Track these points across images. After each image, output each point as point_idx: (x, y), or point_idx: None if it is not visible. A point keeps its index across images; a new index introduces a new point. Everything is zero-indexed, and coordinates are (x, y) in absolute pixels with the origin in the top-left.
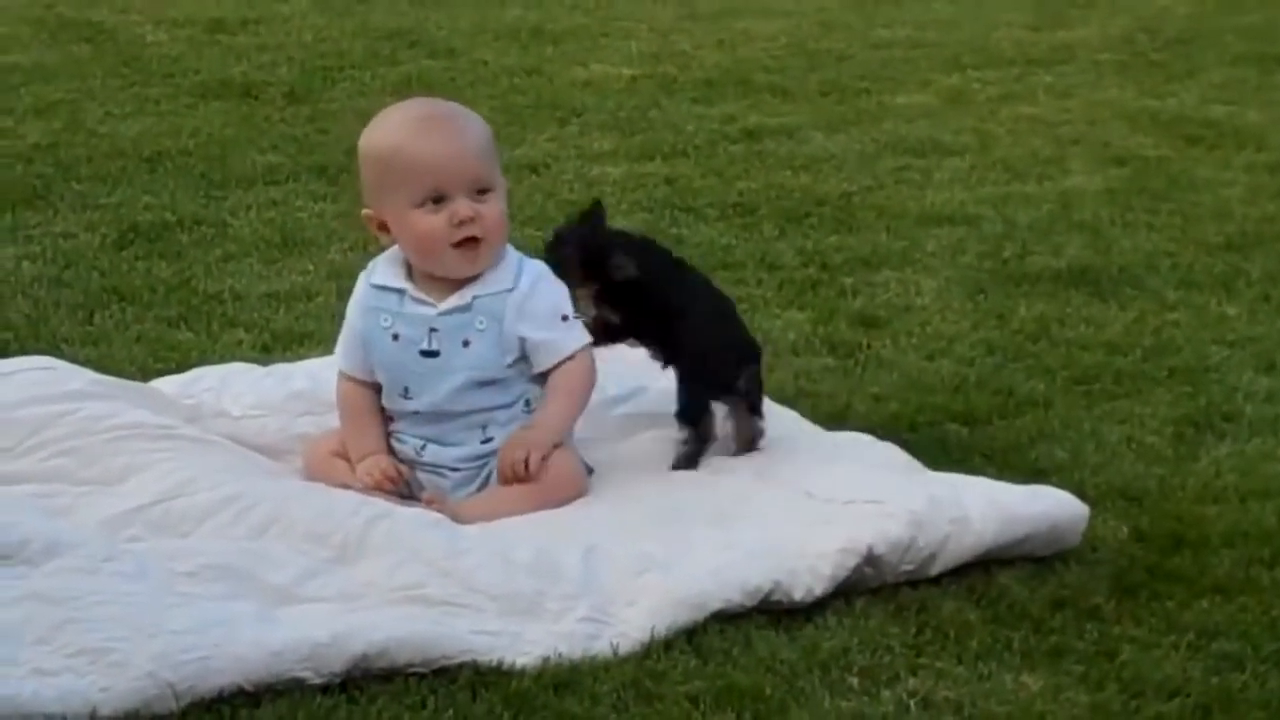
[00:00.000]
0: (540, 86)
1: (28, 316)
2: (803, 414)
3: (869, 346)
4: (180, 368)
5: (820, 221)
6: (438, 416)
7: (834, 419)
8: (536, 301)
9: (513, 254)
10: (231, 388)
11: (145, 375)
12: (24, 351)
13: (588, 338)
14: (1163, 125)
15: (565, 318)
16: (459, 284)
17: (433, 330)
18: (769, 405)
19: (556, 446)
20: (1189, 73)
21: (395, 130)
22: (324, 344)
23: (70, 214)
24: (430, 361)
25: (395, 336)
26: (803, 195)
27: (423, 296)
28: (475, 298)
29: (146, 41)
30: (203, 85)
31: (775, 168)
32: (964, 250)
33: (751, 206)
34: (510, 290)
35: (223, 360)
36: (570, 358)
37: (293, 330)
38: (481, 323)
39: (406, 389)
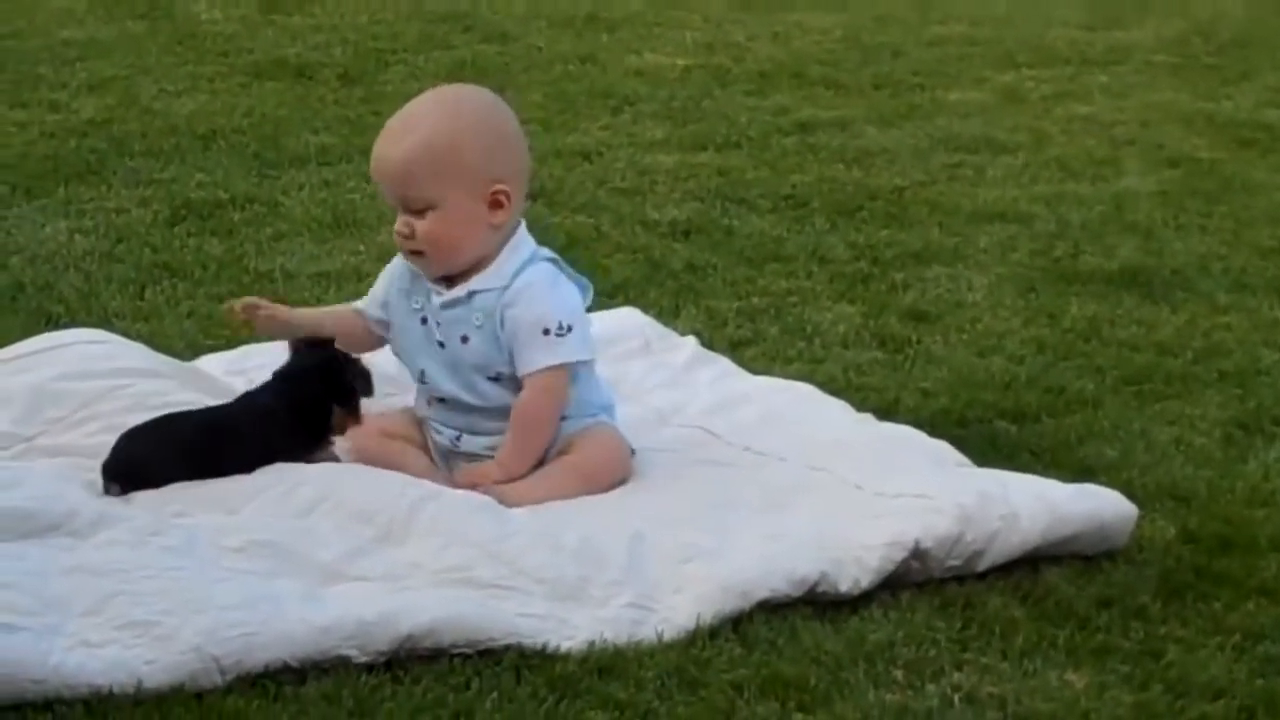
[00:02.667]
0: (593, 74)
1: (79, 290)
2: (852, 407)
3: (919, 341)
4: (231, 345)
5: (872, 215)
6: (464, 408)
7: (883, 412)
8: (520, 308)
9: (523, 251)
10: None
11: (195, 351)
12: (75, 324)
13: (566, 358)
14: (1217, 128)
15: (547, 331)
16: (457, 278)
17: (438, 322)
18: (818, 394)
19: (516, 479)
20: (1244, 76)
21: None
22: None
23: (123, 189)
24: (440, 351)
25: (424, 320)
26: (855, 189)
27: (433, 285)
28: (472, 293)
29: (201, 19)
30: (256, 65)
31: (828, 161)
32: (1016, 248)
33: (803, 199)
34: (505, 288)
35: (273, 338)
36: (535, 374)
37: None
38: (478, 319)
39: (423, 373)
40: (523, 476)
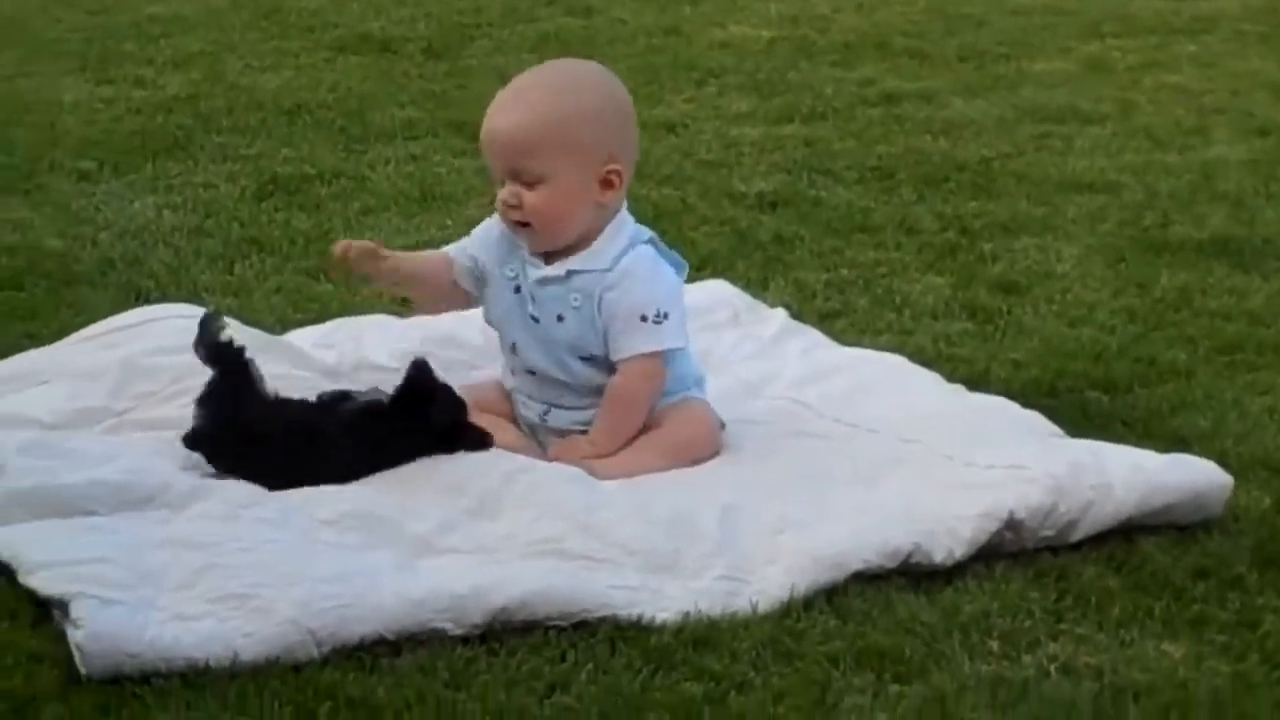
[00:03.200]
0: (678, 46)
1: (168, 265)
2: (942, 378)
3: (1009, 312)
4: (320, 319)
5: (959, 186)
6: (554, 383)
7: (973, 383)
8: (620, 293)
9: (625, 233)
10: (370, 339)
11: (285, 325)
12: (165, 299)
13: (660, 345)
14: None
15: (644, 318)
16: (557, 254)
17: (533, 296)
18: (908, 365)
19: (607, 455)
20: None
21: None
22: None
23: (210, 165)
24: (534, 326)
25: (517, 289)
26: (942, 160)
27: (530, 259)
28: (571, 272)
29: None
30: (341, 39)
31: (914, 132)
32: (1105, 218)
33: (890, 170)
34: (606, 271)
35: (361, 313)
36: (630, 359)
37: None
38: (576, 300)
39: (514, 345)
40: (614, 454)
